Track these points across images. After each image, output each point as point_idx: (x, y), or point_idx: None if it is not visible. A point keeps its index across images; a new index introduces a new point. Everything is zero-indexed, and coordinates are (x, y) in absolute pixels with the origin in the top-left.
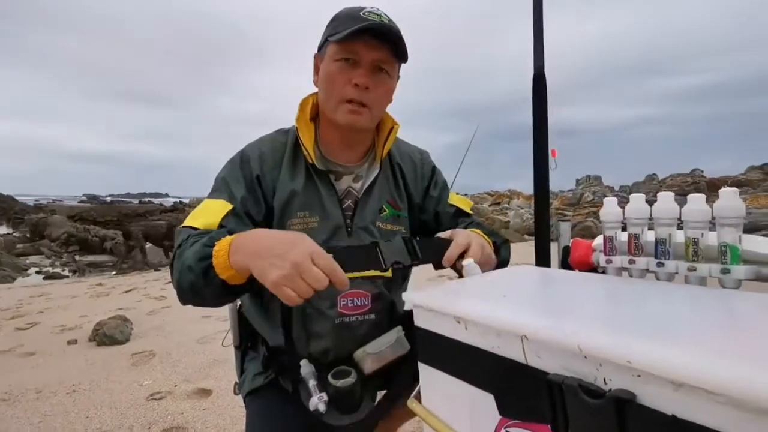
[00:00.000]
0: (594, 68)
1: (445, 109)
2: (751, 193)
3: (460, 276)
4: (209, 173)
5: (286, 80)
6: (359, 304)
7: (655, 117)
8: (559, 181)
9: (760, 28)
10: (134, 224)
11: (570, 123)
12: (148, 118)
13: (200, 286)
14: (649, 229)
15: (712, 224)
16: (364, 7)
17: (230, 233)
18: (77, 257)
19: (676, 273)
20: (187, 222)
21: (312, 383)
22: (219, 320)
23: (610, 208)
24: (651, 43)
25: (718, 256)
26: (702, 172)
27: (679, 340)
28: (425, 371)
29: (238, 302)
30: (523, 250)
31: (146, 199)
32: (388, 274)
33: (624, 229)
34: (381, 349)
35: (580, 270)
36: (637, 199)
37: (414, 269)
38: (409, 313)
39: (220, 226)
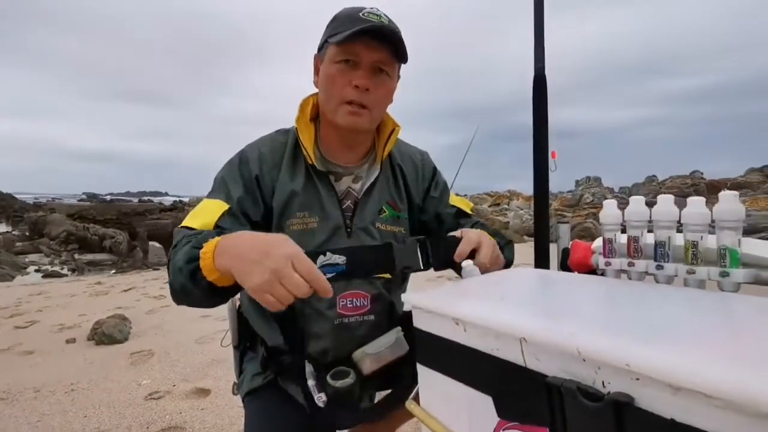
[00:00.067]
0: (594, 68)
1: (444, 110)
2: (751, 195)
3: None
4: (209, 172)
5: (286, 80)
6: (358, 304)
7: (655, 118)
8: (559, 182)
9: (760, 28)
10: (140, 223)
11: (570, 124)
12: (148, 117)
13: (189, 288)
14: (649, 231)
15: (712, 227)
16: (364, 8)
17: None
18: (76, 256)
19: (676, 276)
20: (185, 222)
21: (311, 383)
22: (218, 320)
23: (609, 210)
24: (651, 43)
25: (717, 259)
26: (702, 173)
27: (677, 343)
28: (424, 372)
29: (238, 302)
30: (522, 250)
31: (146, 198)
32: (388, 275)
33: (623, 231)
34: (380, 349)
35: (579, 272)
36: (637, 202)
37: None
38: (409, 314)
39: (216, 226)
